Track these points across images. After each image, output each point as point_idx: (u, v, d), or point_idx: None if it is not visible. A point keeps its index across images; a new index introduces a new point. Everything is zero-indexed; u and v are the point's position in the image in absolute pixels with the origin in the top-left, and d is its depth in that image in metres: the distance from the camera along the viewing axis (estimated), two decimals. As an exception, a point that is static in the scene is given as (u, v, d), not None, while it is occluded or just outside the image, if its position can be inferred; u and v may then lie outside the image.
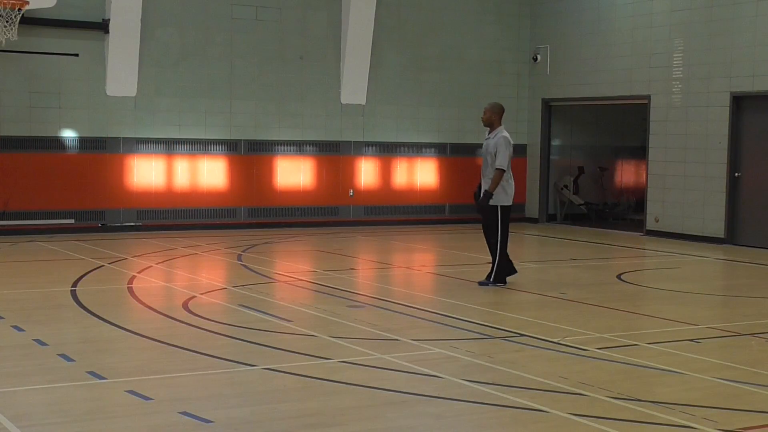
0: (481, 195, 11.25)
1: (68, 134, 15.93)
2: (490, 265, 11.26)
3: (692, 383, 6.86)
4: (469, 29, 19.11)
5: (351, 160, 18.20)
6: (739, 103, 15.89)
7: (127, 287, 10.73)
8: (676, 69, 16.76)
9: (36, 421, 5.73)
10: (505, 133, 11.19)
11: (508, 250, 11.32)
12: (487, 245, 11.36)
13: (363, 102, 18.15)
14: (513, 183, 11.46)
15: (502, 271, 11.19)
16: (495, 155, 11.12)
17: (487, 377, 6.83)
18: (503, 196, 11.20)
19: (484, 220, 11.38)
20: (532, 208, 19.83)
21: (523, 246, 16.86)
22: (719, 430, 5.73)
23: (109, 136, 16.20)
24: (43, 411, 5.97)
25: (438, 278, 12.35)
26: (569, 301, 10.24)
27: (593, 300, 10.28)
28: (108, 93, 16.13)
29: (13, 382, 6.58)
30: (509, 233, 11.36)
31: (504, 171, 11.07)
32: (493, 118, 11.30)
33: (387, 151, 18.51)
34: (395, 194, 18.64)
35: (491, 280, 11.16)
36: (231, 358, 7.34)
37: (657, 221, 17.23)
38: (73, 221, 15.98)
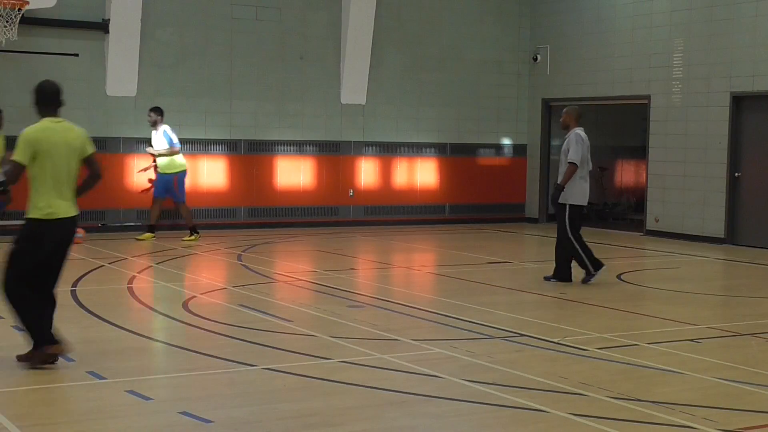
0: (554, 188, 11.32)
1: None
2: (555, 265, 11.40)
3: (692, 383, 6.86)
4: (469, 29, 19.11)
5: (351, 160, 18.20)
6: (739, 103, 15.89)
7: (127, 287, 10.73)
8: (676, 69, 16.76)
9: (36, 421, 5.73)
10: (578, 131, 11.27)
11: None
12: (555, 246, 11.42)
13: (363, 102, 18.15)
14: (587, 184, 11.43)
15: (586, 262, 11.24)
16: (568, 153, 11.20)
17: (487, 377, 6.84)
18: (575, 194, 11.19)
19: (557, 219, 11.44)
20: (532, 208, 19.83)
21: (523, 246, 16.87)
22: (719, 430, 5.73)
23: (109, 136, 16.19)
24: (43, 411, 5.97)
25: (438, 278, 12.35)
26: (569, 301, 10.25)
27: (593, 300, 10.28)
28: (108, 93, 16.13)
29: (13, 382, 6.59)
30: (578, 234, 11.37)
31: (576, 165, 11.15)
32: (569, 121, 11.46)
33: (387, 151, 18.50)
34: (395, 194, 18.64)
35: (588, 276, 11.23)
36: (231, 358, 7.34)
37: (657, 221, 17.23)
38: (73, 221, 15.95)
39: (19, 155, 6.81)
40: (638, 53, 17.47)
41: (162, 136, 15.07)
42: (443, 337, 8.29)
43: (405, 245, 15.80)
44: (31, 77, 15.58)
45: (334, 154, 17.99)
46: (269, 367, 7.07)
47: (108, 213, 16.24)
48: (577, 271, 11.37)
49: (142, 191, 15.66)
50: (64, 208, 6.96)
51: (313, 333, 8.30)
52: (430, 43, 18.77)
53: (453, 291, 10.88)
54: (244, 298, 10.11)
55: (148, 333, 8.23)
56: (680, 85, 16.70)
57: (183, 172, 15.24)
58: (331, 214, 18.08)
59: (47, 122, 6.98)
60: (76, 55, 15.88)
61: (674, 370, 7.19)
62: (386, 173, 18.53)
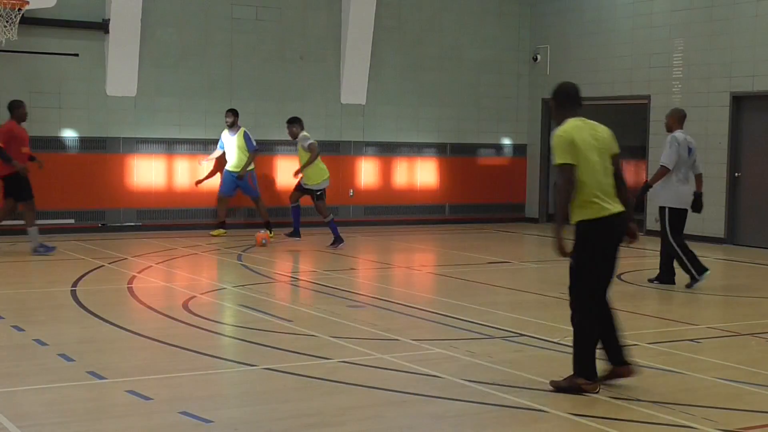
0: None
1: (68, 134, 15.92)
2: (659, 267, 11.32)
3: (692, 383, 6.86)
4: (469, 29, 19.11)
5: (351, 160, 18.20)
6: (739, 103, 15.89)
7: (127, 287, 10.73)
8: (676, 69, 16.76)
9: (36, 421, 5.74)
10: (676, 133, 11.17)
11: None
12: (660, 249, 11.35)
13: (363, 102, 18.15)
14: (685, 187, 11.23)
15: (689, 266, 11.11)
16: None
17: (487, 377, 6.84)
18: (670, 197, 11.08)
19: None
20: (532, 208, 19.83)
21: (523, 246, 16.87)
22: (719, 430, 5.73)
23: (109, 136, 16.20)
24: (43, 411, 5.97)
25: (438, 278, 12.35)
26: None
27: (593, 300, 10.26)
28: (108, 93, 16.13)
29: (13, 382, 6.59)
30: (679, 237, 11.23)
31: (666, 168, 11.01)
32: (672, 123, 11.38)
33: (387, 151, 18.50)
34: (395, 194, 18.63)
35: (693, 281, 11.12)
36: (231, 358, 7.34)
37: (657, 221, 17.19)
38: (73, 221, 15.97)
39: (563, 158, 6.58)
40: (638, 53, 17.47)
41: (242, 138, 16.02)
42: (443, 337, 8.29)
43: (405, 245, 15.80)
44: (31, 77, 15.73)
45: (334, 154, 17.97)
46: (269, 367, 7.07)
47: (108, 213, 16.24)
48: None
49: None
50: (611, 204, 6.67)
51: (313, 333, 8.30)
52: (430, 43, 18.77)
53: (453, 291, 10.88)
54: (244, 298, 10.11)
55: (148, 333, 8.23)
56: (680, 85, 16.70)
57: (253, 169, 16.31)
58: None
59: (575, 121, 6.77)
60: (76, 55, 15.88)
61: (674, 370, 7.19)
62: (386, 173, 18.52)
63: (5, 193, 13.39)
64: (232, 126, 16.02)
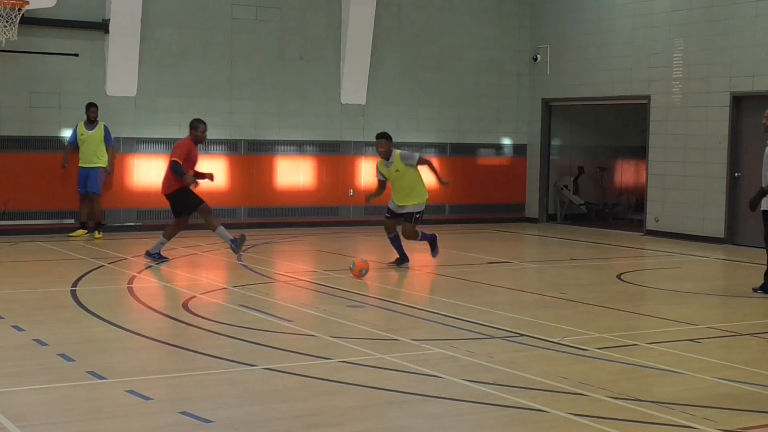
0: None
1: (68, 134, 15.91)
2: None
3: (692, 383, 6.86)
4: (469, 29, 19.11)
5: (351, 160, 18.19)
6: (739, 103, 15.88)
7: (127, 287, 10.73)
8: (676, 69, 16.76)
9: (36, 421, 5.73)
10: None
11: None
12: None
13: (363, 102, 18.15)
14: None
15: None
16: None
17: (487, 377, 6.84)
18: None
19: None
20: (532, 208, 19.83)
21: (523, 246, 16.87)
22: (719, 430, 5.73)
23: (109, 136, 16.19)
24: (43, 411, 5.97)
25: (438, 278, 12.35)
26: (569, 301, 10.24)
27: (593, 300, 10.28)
28: (108, 93, 16.13)
29: (13, 382, 6.58)
30: None
31: None
32: None
33: (387, 151, 18.47)
34: (395, 194, 18.60)
35: (761, 289, 10.87)
36: (231, 358, 7.34)
37: (657, 221, 17.23)
38: (73, 221, 15.97)
39: None
40: (638, 53, 17.46)
41: (103, 131, 15.43)
42: (443, 337, 8.29)
43: (405, 245, 15.77)
44: (31, 77, 15.73)
45: (334, 154, 17.99)
46: (269, 367, 7.07)
47: (108, 213, 16.23)
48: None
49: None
50: None
51: (313, 333, 8.30)
52: (430, 43, 18.77)
53: (453, 291, 10.88)
54: (244, 298, 10.11)
55: (148, 333, 8.23)
56: (680, 85, 16.70)
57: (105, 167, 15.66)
58: (331, 214, 18.07)
59: None
60: (76, 55, 15.88)
61: (674, 370, 7.19)
62: (386, 173, 18.50)
63: (174, 212, 13.02)
64: (94, 120, 15.43)
